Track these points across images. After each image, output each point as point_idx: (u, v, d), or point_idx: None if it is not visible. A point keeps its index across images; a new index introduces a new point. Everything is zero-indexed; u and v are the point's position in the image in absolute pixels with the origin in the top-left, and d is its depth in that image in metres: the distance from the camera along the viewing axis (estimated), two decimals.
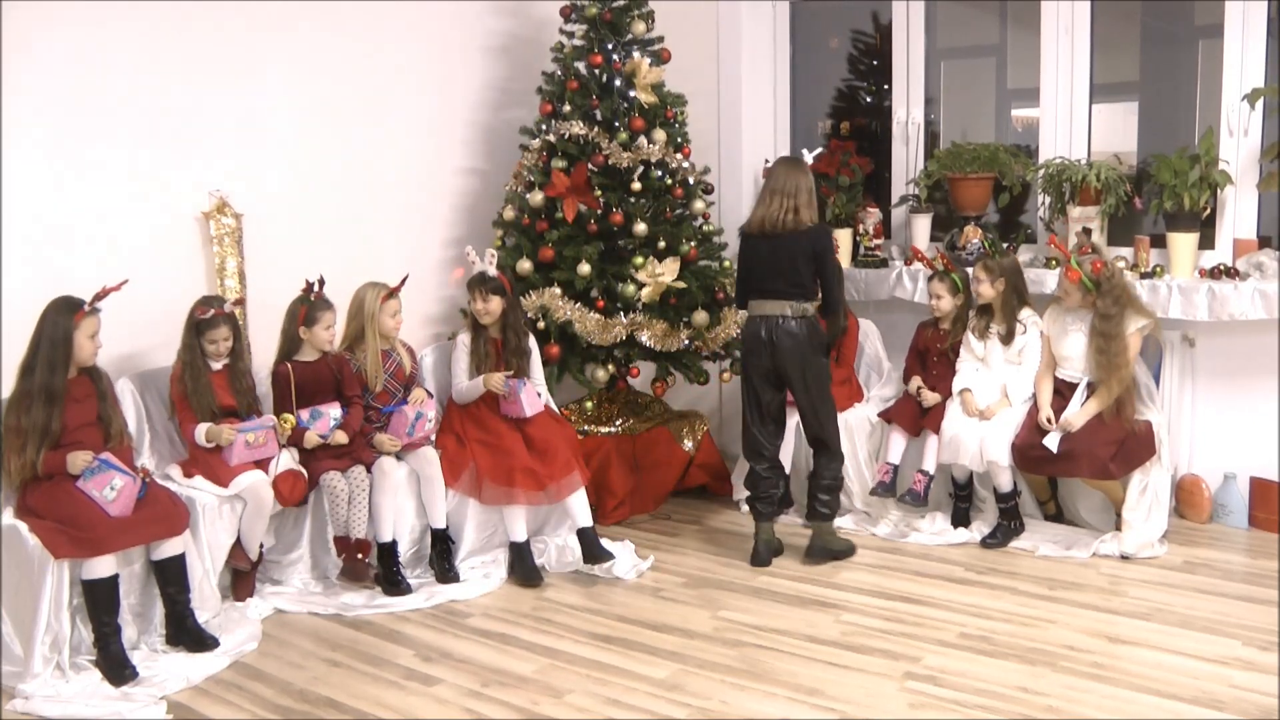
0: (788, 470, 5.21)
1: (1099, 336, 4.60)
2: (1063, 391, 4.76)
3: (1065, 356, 4.80)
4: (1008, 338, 4.86)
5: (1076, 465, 4.55)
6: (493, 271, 4.78)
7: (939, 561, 4.63)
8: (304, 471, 4.29)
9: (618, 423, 5.39)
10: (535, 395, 4.72)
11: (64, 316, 3.75)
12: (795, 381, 4.52)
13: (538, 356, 4.92)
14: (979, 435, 4.73)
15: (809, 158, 4.69)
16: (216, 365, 4.25)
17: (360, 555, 4.36)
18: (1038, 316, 4.88)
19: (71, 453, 3.70)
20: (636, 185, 5.17)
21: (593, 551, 4.54)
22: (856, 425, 5.12)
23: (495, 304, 4.73)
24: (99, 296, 3.83)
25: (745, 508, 5.35)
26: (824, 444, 4.62)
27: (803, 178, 4.49)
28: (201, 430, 4.13)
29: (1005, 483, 4.77)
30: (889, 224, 5.84)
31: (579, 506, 4.59)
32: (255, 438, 4.16)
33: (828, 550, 4.63)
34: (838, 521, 4.97)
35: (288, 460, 4.27)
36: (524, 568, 4.53)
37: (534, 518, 4.71)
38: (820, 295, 4.58)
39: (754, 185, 6.14)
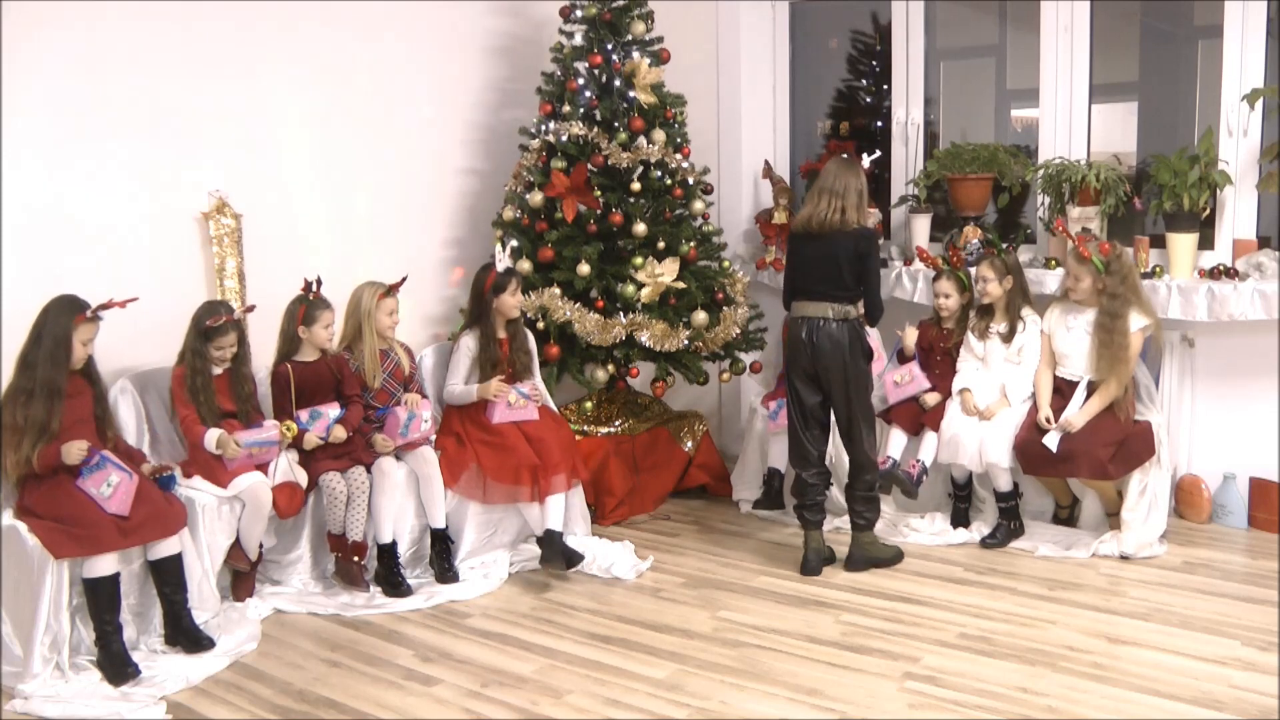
0: (782, 469, 5.22)
1: (1105, 315, 4.61)
2: (1063, 390, 4.76)
3: (1065, 354, 4.80)
4: (1009, 335, 4.86)
5: (1076, 465, 4.55)
6: (511, 264, 4.85)
7: (938, 562, 4.63)
8: (302, 482, 4.28)
9: (617, 423, 5.39)
10: (535, 391, 4.78)
11: (65, 316, 3.75)
12: (834, 386, 4.43)
13: (535, 351, 4.97)
14: (979, 436, 4.74)
15: (866, 161, 4.64)
16: (218, 370, 4.25)
17: (356, 558, 4.36)
18: (1037, 315, 4.88)
19: (65, 444, 3.70)
20: (636, 185, 5.17)
21: (552, 553, 4.49)
22: None
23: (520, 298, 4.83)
24: (104, 307, 3.82)
25: (745, 508, 5.37)
26: (857, 453, 4.52)
27: (853, 178, 4.41)
28: (212, 439, 4.11)
29: (1004, 484, 4.77)
30: (889, 224, 5.84)
31: (554, 508, 4.59)
32: (260, 451, 4.17)
33: (870, 559, 4.55)
34: (835, 521, 4.97)
35: (286, 466, 4.26)
36: (553, 550, 4.49)
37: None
38: (864, 298, 4.50)
39: (754, 185, 6.15)
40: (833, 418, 4.58)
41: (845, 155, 4.60)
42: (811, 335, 4.41)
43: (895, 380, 4.97)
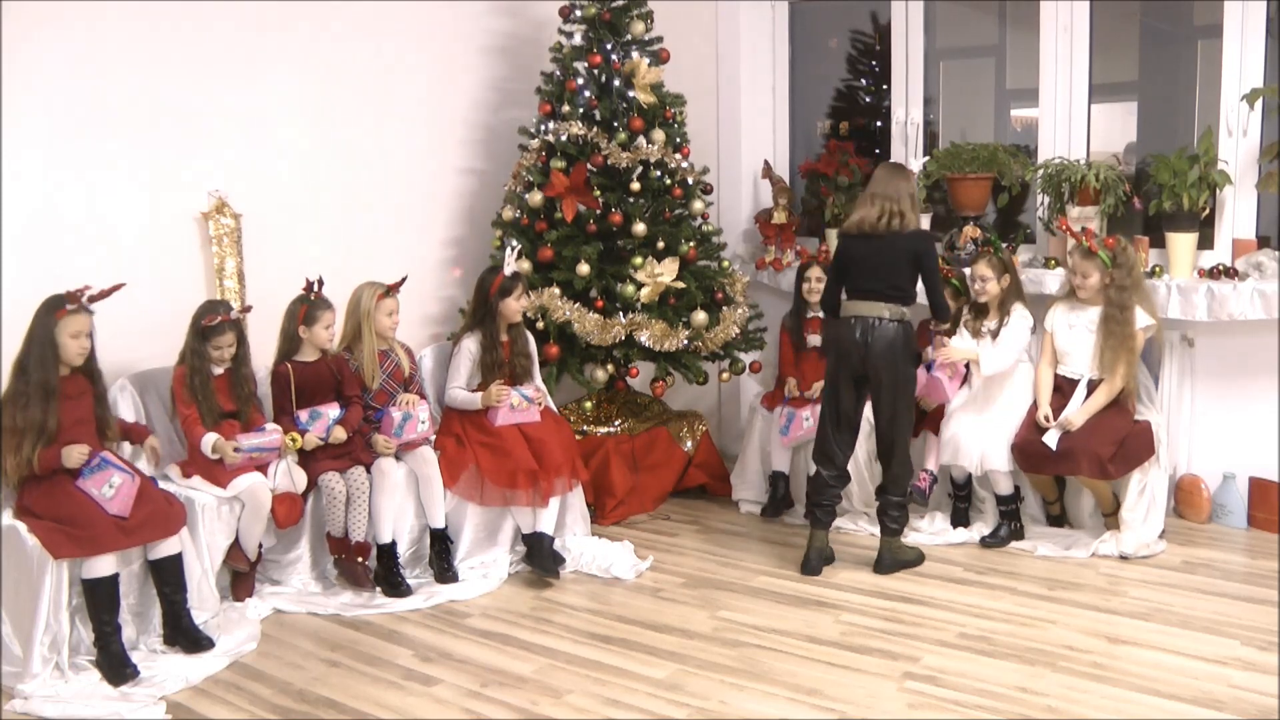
0: (786, 471, 5.23)
1: (1113, 307, 4.62)
2: (1063, 389, 4.77)
3: (1066, 352, 4.80)
4: (999, 333, 4.86)
5: (1076, 464, 4.55)
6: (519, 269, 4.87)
7: (938, 561, 4.63)
8: (301, 483, 4.27)
9: (617, 423, 5.39)
10: (538, 393, 4.79)
11: (48, 315, 3.75)
12: (883, 386, 4.39)
13: (536, 355, 4.96)
14: (979, 438, 4.74)
15: (916, 165, 4.63)
16: (218, 370, 4.24)
17: (360, 559, 4.36)
18: (1027, 312, 4.88)
19: (66, 447, 3.70)
20: (635, 185, 5.17)
21: (542, 557, 4.52)
22: None
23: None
24: (78, 295, 3.77)
25: (745, 508, 5.37)
26: (894, 456, 4.48)
27: (904, 183, 4.41)
28: (209, 443, 4.11)
29: (1005, 487, 4.77)
30: None
31: (548, 511, 4.61)
32: (259, 456, 4.16)
33: (898, 561, 4.53)
34: (836, 521, 4.97)
35: (286, 467, 4.26)
36: (543, 555, 4.53)
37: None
38: (929, 300, 4.47)
39: (753, 185, 6.16)
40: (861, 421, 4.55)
41: (893, 161, 4.61)
42: (866, 335, 4.35)
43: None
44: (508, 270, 4.77)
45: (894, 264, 4.36)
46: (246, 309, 4.44)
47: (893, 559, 4.53)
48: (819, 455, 4.58)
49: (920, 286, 4.47)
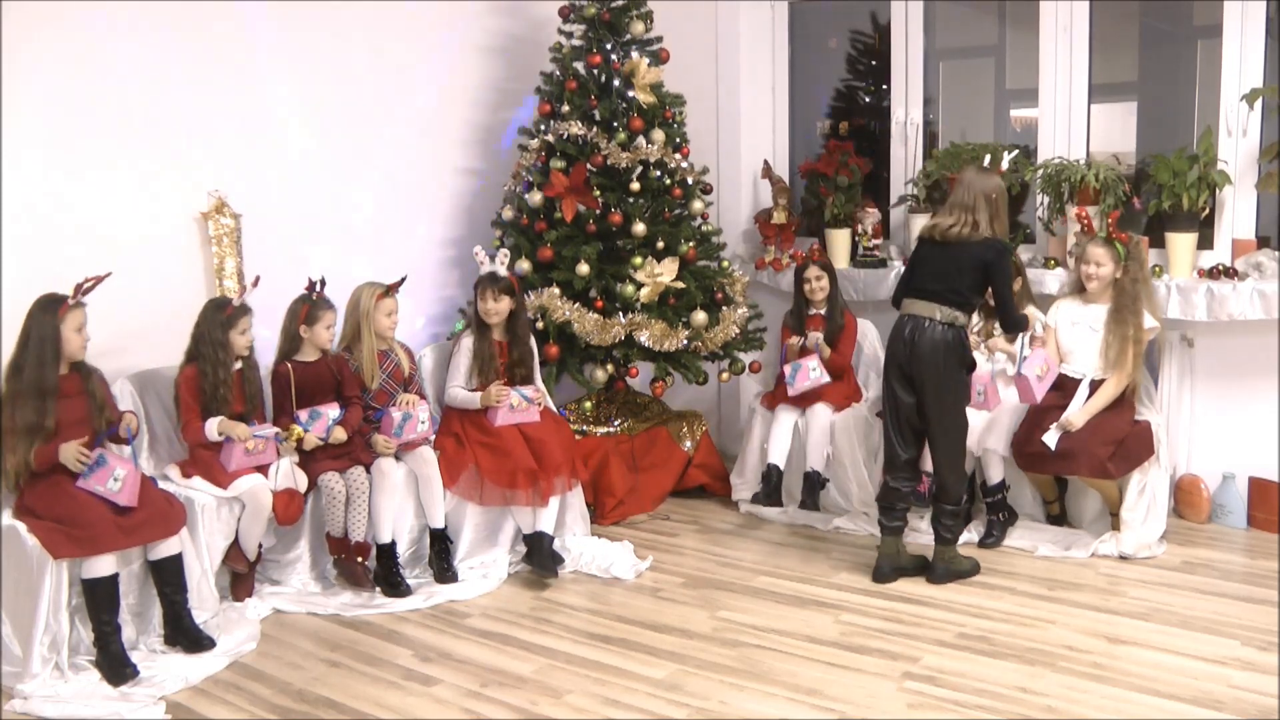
0: (781, 465, 5.21)
1: (1125, 297, 4.63)
2: (1065, 387, 4.76)
3: (1069, 350, 4.80)
4: (1013, 338, 4.86)
5: (1075, 463, 4.54)
6: (503, 271, 4.79)
7: None
8: (302, 484, 4.27)
9: (616, 423, 5.39)
10: (538, 393, 4.78)
11: (49, 313, 3.74)
12: (927, 389, 4.26)
13: (537, 358, 4.95)
14: (980, 425, 4.73)
15: (1007, 160, 4.56)
16: (237, 365, 4.23)
17: (360, 559, 4.36)
18: (1041, 313, 4.88)
19: (63, 444, 3.70)
20: (635, 185, 5.17)
21: (542, 556, 4.52)
22: (855, 424, 5.12)
23: (504, 305, 4.74)
24: (80, 289, 3.80)
25: (744, 508, 5.37)
26: (941, 463, 4.39)
27: (982, 189, 4.22)
28: (214, 423, 4.11)
29: (996, 474, 4.77)
30: (888, 224, 5.84)
31: (548, 511, 4.61)
32: (255, 445, 4.16)
33: (952, 571, 4.43)
34: (835, 521, 4.97)
35: (288, 468, 4.26)
36: (542, 554, 4.53)
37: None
38: (998, 310, 4.36)
39: (753, 185, 6.16)
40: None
41: (980, 165, 4.52)
42: (914, 334, 4.27)
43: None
44: (483, 270, 4.76)
45: (959, 270, 4.22)
46: (256, 280, 4.37)
47: (946, 569, 4.42)
48: (886, 463, 4.49)
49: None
